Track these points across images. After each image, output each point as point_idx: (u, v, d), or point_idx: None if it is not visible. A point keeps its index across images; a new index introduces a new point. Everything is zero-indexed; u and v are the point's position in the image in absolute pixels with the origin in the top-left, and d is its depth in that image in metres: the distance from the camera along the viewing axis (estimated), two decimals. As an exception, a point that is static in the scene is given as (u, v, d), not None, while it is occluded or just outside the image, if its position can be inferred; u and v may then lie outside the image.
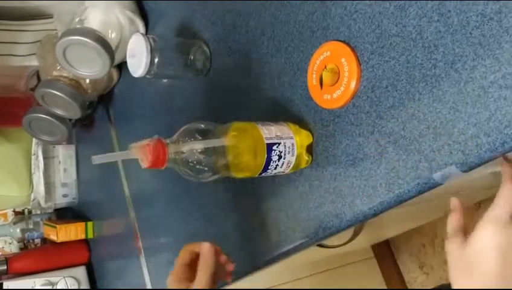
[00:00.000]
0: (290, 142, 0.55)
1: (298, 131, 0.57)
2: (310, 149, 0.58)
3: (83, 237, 1.15)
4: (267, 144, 0.53)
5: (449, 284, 0.43)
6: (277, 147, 0.54)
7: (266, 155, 0.53)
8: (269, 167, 0.54)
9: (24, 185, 1.19)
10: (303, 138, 0.57)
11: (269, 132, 0.54)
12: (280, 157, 0.54)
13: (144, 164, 0.48)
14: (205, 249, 0.57)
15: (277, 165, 0.55)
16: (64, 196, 1.22)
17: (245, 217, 0.70)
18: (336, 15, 0.54)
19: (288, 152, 0.55)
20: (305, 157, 0.57)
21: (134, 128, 0.98)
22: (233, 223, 0.73)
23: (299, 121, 0.59)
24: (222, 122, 0.55)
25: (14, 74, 1.07)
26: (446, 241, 0.44)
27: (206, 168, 0.51)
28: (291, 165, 0.57)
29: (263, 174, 0.55)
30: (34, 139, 1.17)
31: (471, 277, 0.41)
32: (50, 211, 1.29)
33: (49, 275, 1.13)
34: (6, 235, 1.24)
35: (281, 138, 0.54)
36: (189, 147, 0.49)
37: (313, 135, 0.58)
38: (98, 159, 0.48)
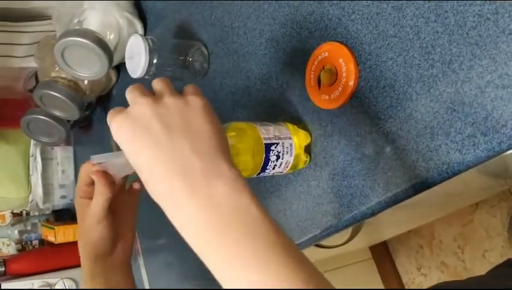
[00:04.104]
0: (288, 143, 0.55)
1: (296, 131, 0.57)
2: (308, 149, 0.58)
3: (81, 238, 1.15)
4: (265, 144, 0.53)
5: (445, 283, 0.43)
6: (275, 147, 0.54)
7: (264, 155, 0.53)
8: (267, 167, 0.54)
9: (22, 187, 1.19)
10: (301, 138, 0.57)
11: (267, 132, 0.54)
12: (278, 157, 0.55)
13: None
14: (95, 178, 0.50)
15: (275, 165, 0.55)
16: (62, 197, 1.23)
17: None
18: (333, 16, 0.55)
19: (287, 152, 0.55)
20: (304, 157, 0.58)
21: (133, 129, 0.97)
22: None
23: (297, 122, 0.59)
24: (220, 123, 0.55)
25: (12, 75, 1.07)
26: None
27: (204, 168, 0.51)
28: (290, 166, 0.57)
29: (261, 174, 0.55)
30: (32, 140, 1.17)
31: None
32: (48, 212, 1.29)
33: (47, 276, 1.13)
34: (4, 237, 1.24)
35: (279, 138, 0.55)
36: (187, 147, 0.50)
37: (311, 135, 0.58)
38: (96, 159, 0.48)
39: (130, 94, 0.41)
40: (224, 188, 0.35)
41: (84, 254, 0.55)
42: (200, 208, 0.35)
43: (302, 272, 0.33)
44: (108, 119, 0.40)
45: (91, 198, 0.53)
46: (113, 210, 0.54)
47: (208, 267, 0.34)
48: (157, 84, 0.43)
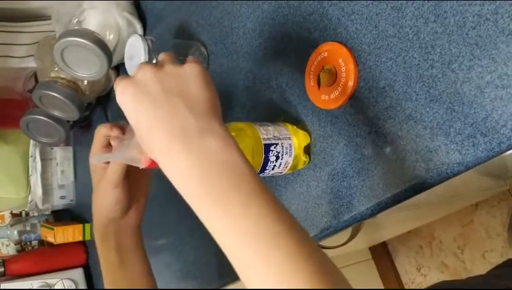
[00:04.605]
0: (287, 143, 0.55)
1: (296, 132, 0.57)
2: (307, 150, 0.58)
3: (80, 239, 1.15)
4: (264, 144, 0.53)
5: (445, 282, 0.43)
6: (274, 148, 0.54)
7: (264, 156, 0.53)
8: (266, 168, 0.54)
9: (21, 187, 1.19)
10: (300, 139, 0.57)
11: (267, 132, 0.54)
12: (277, 157, 0.55)
13: (142, 164, 0.48)
14: (114, 143, 0.54)
15: (274, 165, 0.55)
16: (62, 197, 1.22)
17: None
18: (333, 16, 0.55)
19: (286, 153, 0.55)
20: (303, 158, 0.57)
21: (132, 129, 0.97)
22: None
23: (297, 122, 0.59)
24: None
25: (11, 76, 1.07)
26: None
27: (203, 169, 0.51)
28: (289, 166, 0.57)
29: (260, 174, 0.55)
30: (31, 141, 1.17)
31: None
32: (47, 213, 1.28)
33: (47, 277, 1.13)
34: (3, 237, 1.24)
35: (279, 139, 0.55)
36: (187, 148, 0.49)
37: (310, 135, 0.58)
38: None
39: (137, 66, 0.44)
40: (216, 144, 0.39)
41: (97, 216, 0.57)
42: (192, 160, 0.38)
43: (278, 217, 0.36)
44: (114, 85, 0.43)
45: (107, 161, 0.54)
46: (129, 174, 0.55)
47: (198, 215, 0.37)
48: (161, 55, 0.47)
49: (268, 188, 0.38)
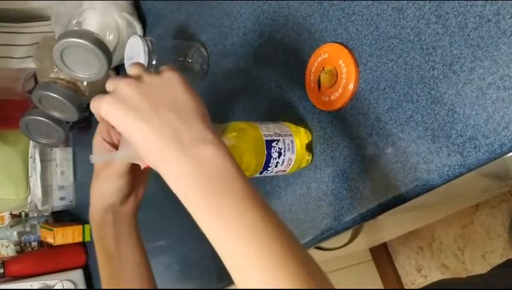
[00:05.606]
0: (289, 140, 0.55)
1: (297, 130, 0.57)
2: (309, 148, 0.58)
3: (80, 240, 1.15)
4: (266, 141, 0.53)
5: (445, 280, 0.43)
6: (276, 144, 0.54)
7: (266, 152, 0.53)
8: (270, 165, 0.54)
9: (21, 188, 1.19)
10: (302, 137, 0.57)
11: (267, 129, 0.54)
12: (280, 154, 0.54)
13: (142, 163, 0.48)
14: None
15: (277, 162, 0.55)
16: (61, 198, 1.22)
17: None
18: (333, 17, 0.54)
19: (288, 149, 0.55)
20: (306, 156, 0.57)
21: (132, 130, 0.97)
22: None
23: (297, 123, 0.59)
24: (220, 124, 0.55)
25: (11, 76, 1.07)
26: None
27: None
28: (292, 163, 0.56)
29: (264, 173, 0.55)
30: (31, 142, 1.17)
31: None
32: (47, 214, 1.28)
33: (46, 278, 1.12)
34: (3, 239, 1.24)
35: (280, 135, 0.54)
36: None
37: (311, 133, 0.58)
38: (96, 158, 0.48)
39: (111, 81, 0.44)
40: (209, 151, 0.40)
41: (95, 203, 0.58)
42: (188, 168, 0.39)
43: (268, 221, 0.38)
44: (95, 102, 0.43)
45: (113, 145, 0.55)
46: (132, 163, 0.55)
47: (194, 219, 0.39)
48: (132, 69, 0.46)
49: (260, 193, 0.39)
